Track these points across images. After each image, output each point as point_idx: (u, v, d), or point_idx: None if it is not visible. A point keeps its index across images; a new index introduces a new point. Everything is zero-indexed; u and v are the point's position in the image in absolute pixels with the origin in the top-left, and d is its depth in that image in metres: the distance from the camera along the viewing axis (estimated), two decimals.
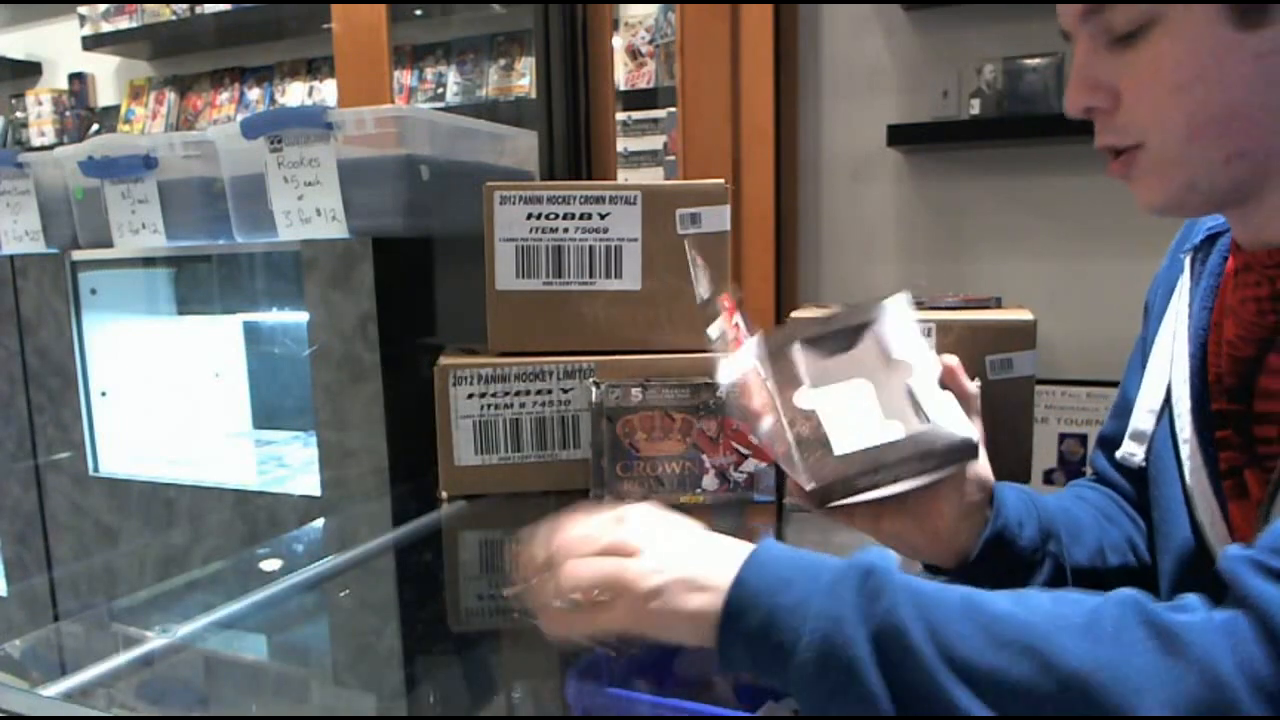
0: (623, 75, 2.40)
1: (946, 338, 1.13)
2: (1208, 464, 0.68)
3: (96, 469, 1.55)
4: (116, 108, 3.04)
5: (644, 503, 0.63)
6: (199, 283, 1.55)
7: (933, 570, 0.75)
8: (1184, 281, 0.75)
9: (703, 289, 0.97)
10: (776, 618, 0.51)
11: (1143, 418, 0.78)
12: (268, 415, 1.82)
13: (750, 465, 1.07)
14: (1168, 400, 0.74)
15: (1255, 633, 0.45)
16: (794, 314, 1.20)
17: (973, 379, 1.05)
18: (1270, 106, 0.58)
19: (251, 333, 1.80)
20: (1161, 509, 0.74)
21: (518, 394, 1.14)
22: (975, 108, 1.60)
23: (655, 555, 0.57)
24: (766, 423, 0.69)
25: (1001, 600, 0.51)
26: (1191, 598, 0.50)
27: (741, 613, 0.53)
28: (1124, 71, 0.62)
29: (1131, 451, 0.79)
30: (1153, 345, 0.79)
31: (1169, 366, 0.75)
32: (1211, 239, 0.74)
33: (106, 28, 2.83)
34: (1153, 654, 0.46)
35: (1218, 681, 0.44)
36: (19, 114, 3.16)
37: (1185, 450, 0.70)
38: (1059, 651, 0.47)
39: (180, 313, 1.61)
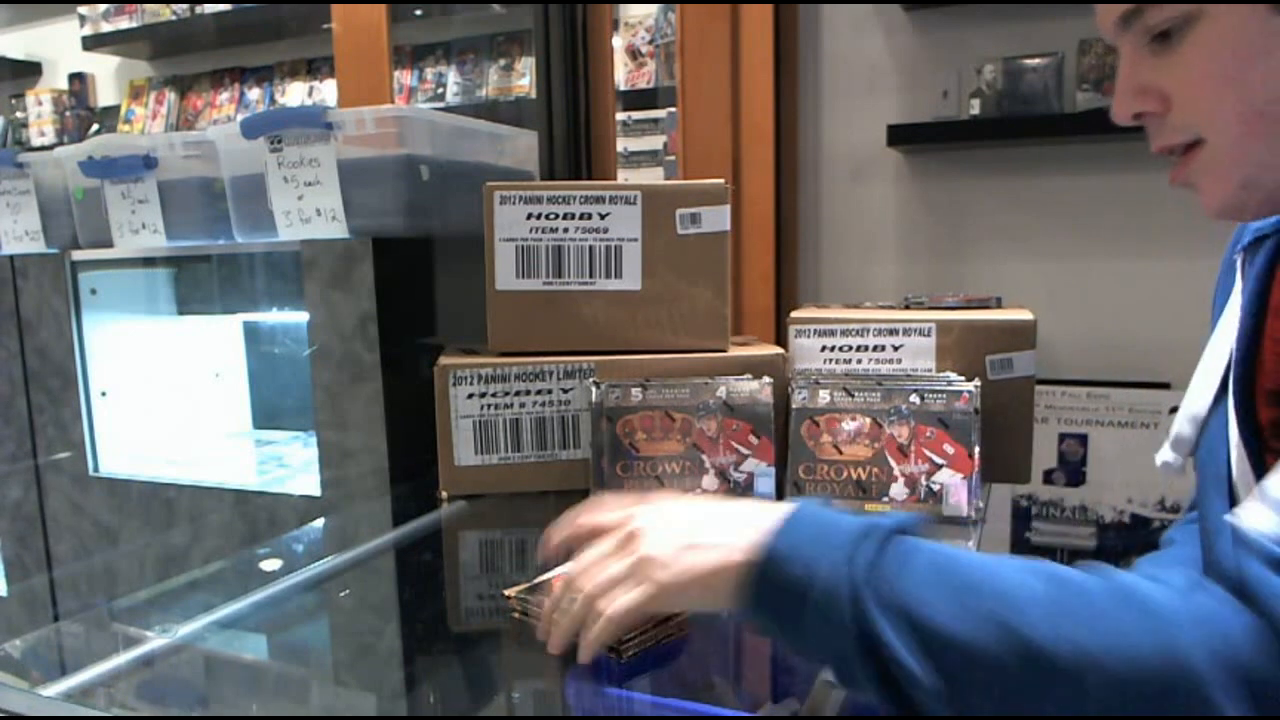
0: (623, 75, 2.40)
1: (946, 338, 1.13)
2: (1255, 469, 0.66)
3: (96, 469, 1.55)
4: (116, 108, 3.04)
5: (653, 498, 0.67)
6: (199, 283, 1.55)
7: None
8: (1237, 285, 0.74)
9: None
10: (794, 577, 0.55)
11: (1184, 424, 0.75)
12: (268, 415, 1.82)
13: (750, 465, 1.07)
14: (1221, 400, 0.72)
15: (1243, 622, 0.46)
16: (794, 314, 1.20)
17: (972, 379, 1.05)
18: None
19: (251, 333, 1.80)
20: (1205, 509, 0.73)
21: (518, 394, 1.14)
22: (975, 108, 1.60)
23: (662, 533, 0.61)
24: None
25: (977, 569, 0.52)
26: (1175, 575, 0.51)
27: (766, 571, 0.56)
28: (1170, 73, 0.61)
29: (1169, 459, 0.77)
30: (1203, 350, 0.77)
31: (1221, 369, 0.73)
32: (1258, 241, 0.73)
33: (106, 28, 2.83)
34: (1121, 629, 0.47)
35: (1186, 663, 0.45)
36: (19, 114, 3.16)
37: (1234, 454, 0.69)
38: (1020, 617, 0.48)
39: (180, 313, 1.61)
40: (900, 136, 1.63)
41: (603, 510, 0.70)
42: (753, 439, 1.07)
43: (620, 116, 2.28)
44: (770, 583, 0.56)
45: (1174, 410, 0.79)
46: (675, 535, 0.61)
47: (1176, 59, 0.60)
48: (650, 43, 2.40)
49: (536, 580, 0.82)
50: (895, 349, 1.14)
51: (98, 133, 2.93)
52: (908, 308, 1.26)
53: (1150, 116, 0.64)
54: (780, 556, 0.56)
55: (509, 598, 0.81)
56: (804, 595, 0.54)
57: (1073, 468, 1.62)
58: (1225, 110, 0.59)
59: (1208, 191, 0.64)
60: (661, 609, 0.62)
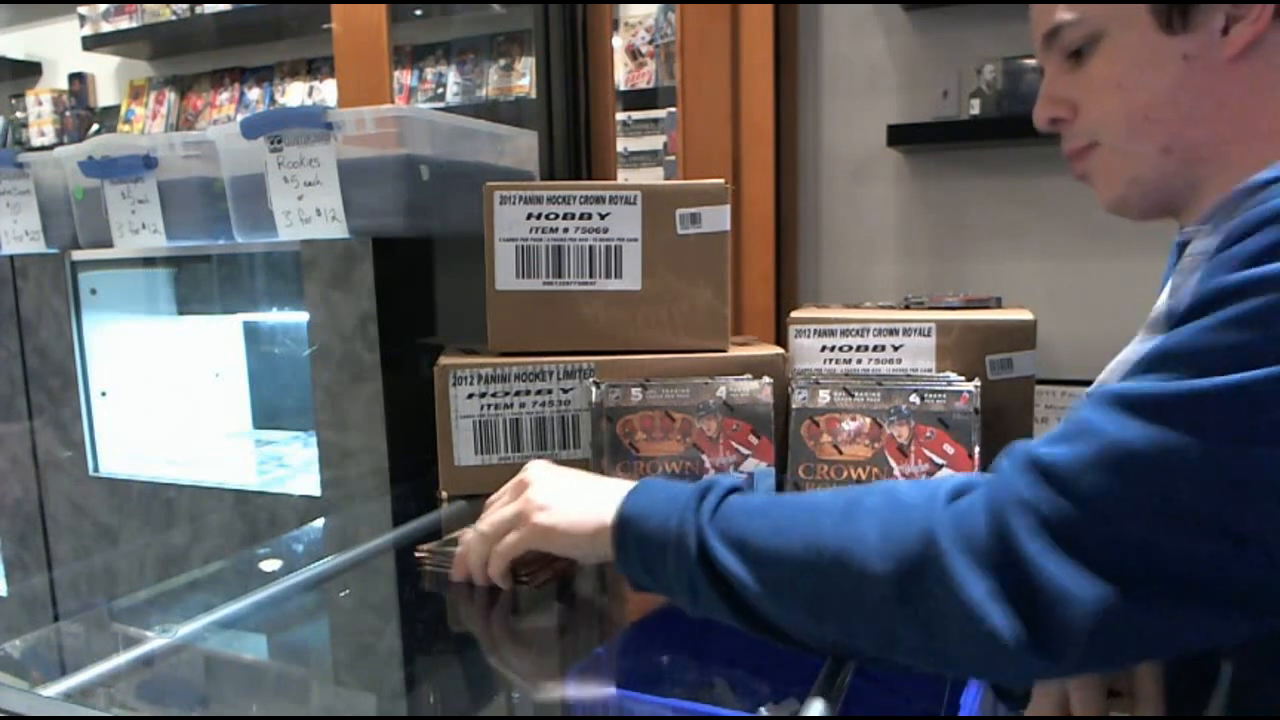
0: (623, 75, 2.40)
1: (946, 338, 1.13)
2: None
3: (96, 469, 1.55)
4: (116, 108, 3.04)
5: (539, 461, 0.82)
6: (199, 283, 1.55)
7: None
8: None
9: None
10: (647, 526, 0.69)
11: None
12: (268, 415, 1.82)
13: (750, 465, 1.07)
14: None
15: (989, 503, 0.57)
16: (794, 314, 1.20)
17: (972, 379, 1.05)
18: (1198, 101, 0.68)
19: (251, 333, 1.80)
20: None
21: (518, 394, 1.14)
22: (975, 108, 1.60)
23: (545, 486, 0.77)
24: None
25: (791, 500, 0.66)
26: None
27: (629, 527, 0.70)
28: (1079, 85, 0.73)
29: None
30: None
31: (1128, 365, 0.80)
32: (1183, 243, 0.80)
33: (106, 28, 2.83)
34: (882, 520, 0.59)
35: (930, 540, 0.56)
36: (19, 114, 3.16)
37: None
38: (816, 529, 0.61)
39: (180, 313, 1.61)
40: (900, 136, 1.63)
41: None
42: (753, 439, 1.07)
43: (620, 116, 2.28)
44: (633, 536, 0.69)
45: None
46: (558, 490, 0.76)
47: (1084, 73, 0.72)
48: (650, 43, 2.40)
49: (445, 538, 0.93)
50: (895, 349, 1.14)
51: (98, 133, 2.93)
52: (908, 308, 1.26)
53: (1062, 123, 0.76)
54: (639, 515, 0.69)
55: (421, 554, 0.90)
56: (662, 543, 0.66)
57: None
58: (1116, 113, 0.71)
59: (1101, 186, 0.76)
60: (541, 547, 0.76)
